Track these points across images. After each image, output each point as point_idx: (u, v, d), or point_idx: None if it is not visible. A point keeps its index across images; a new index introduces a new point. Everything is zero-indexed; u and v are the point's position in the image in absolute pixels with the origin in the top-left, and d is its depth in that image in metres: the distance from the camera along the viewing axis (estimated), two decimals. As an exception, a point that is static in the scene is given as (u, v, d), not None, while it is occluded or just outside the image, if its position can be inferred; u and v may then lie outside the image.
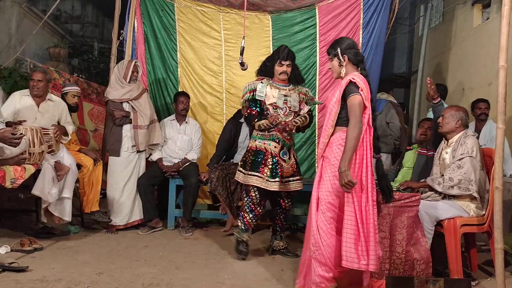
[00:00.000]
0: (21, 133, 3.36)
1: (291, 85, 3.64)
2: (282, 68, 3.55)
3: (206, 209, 4.89)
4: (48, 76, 4.32)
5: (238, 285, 3.03)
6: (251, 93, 3.62)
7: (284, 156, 3.55)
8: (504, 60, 2.79)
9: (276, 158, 3.51)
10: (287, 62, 3.55)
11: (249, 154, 3.62)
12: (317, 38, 4.94)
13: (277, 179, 3.48)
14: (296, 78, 3.65)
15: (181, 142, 4.69)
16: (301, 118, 3.58)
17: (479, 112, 4.52)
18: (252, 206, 3.57)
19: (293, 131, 3.57)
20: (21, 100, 4.02)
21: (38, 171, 3.69)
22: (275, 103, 3.55)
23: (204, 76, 5.09)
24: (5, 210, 4.49)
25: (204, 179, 4.51)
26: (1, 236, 3.85)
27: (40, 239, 3.77)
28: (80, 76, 6.83)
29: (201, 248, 3.92)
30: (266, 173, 3.48)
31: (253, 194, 3.55)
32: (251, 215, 3.59)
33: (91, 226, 4.36)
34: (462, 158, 3.16)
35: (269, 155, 3.52)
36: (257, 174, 3.50)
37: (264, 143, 3.56)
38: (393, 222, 3.00)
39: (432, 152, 3.76)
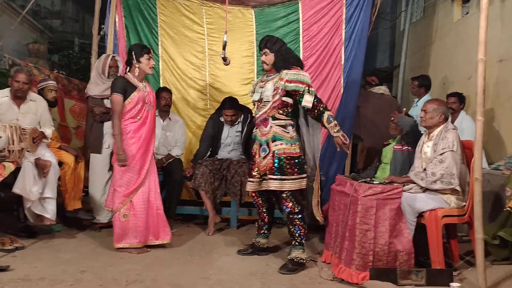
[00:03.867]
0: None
1: (275, 74, 3.40)
2: (261, 58, 3.48)
3: (190, 205, 4.86)
4: (32, 76, 4.21)
5: (223, 280, 3.03)
6: None
7: (263, 153, 3.38)
8: (483, 54, 2.84)
9: (255, 157, 3.47)
10: (264, 51, 3.41)
11: None
12: (300, 32, 4.94)
13: (251, 178, 3.48)
14: (277, 65, 3.38)
15: (165, 139, 4.66)
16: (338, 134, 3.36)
17: (447, 106, 4.62)
18: (256, 208, 3.65)
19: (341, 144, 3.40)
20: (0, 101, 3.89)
21: (18, 169, 3.62)
22: (254, 98, 3.53)
23: (187, 70, 5.06)
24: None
25: (188, 175, 4.49)
26: (-19, 236, 3.78)
27: (21, 238, 3.71)
28: (61, 72, 6.72)
29: (185, 244, 3.91)
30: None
31: (252, 197, 3.62)
32: (258, 217, 3.68)
33: (74, 224, 4.30)
34: (444, 153, 3.20)
35: (254, 155, 3.52)
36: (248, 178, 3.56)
37: (254, 144, 3.54)
38: (376, 214, 3.03)
39: (406, 147, 3.79)
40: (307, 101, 3.26)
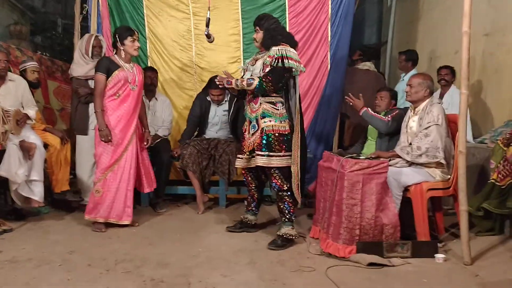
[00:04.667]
0: None
1: (265, 51, 3.37)
2: (253, 36, 3.47)
3: (179, 184, 4.86)
4: (9, 56, 4.13)
5: (212, 257, 3.06)
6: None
7: (252, 129, 3.41)
8: (467, 26, 2.83)
9: (244, 134, 3.48)
10: (255, 28, 3.40)
11: None
12: (286, 9, 4.87)
13: (240, 155, 3.49)
14: (266, 42, 3.33)
15: (151, 119, 4.62)
16: (236, 81, 3.39)
17: (439, 78, 4.62)
18: (247, 186, 3.67)
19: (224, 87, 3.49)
20: None
21: (2, 152, 3.57)
22: (244, 77, 3.51)
23: (174, 51, 4.99)
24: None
25: (176, 155, 4.47)
26: (-33, 220, 3.75)
27: (9, 221, 3.70)
28: (44, 54, 6.59)
29: (174, 223, 3.92)
30: None
31: (242, 174, 3.65)
32: (248, 194, 3.71)
33: (62, 206, 4.28)
34: (429, 127, 3.22)
35: (244, 132, 3.52)
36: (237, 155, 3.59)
37: (245, 122, 3.54)
38: (363, 189, 3.06)
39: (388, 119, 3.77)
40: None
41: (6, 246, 3.18)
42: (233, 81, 3.41)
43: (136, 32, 3.75)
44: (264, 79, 3.25)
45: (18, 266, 2.81)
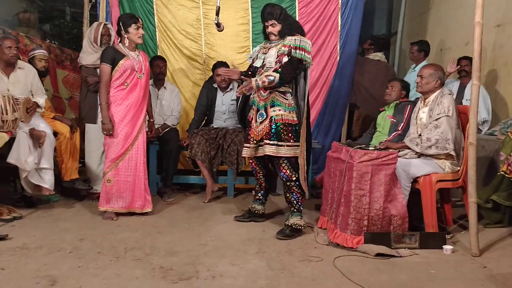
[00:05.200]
0: None
1: (279, 41, 3.34)
2: (268, 30, 3.39)
3: (186, 174, 4.88)
4: (19, 44, 4.14)
5: (220, 246, 3.08)
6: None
7: (259, 118, 3.39)
8: (480, 17, 2.80)
9: (251, 122, 3.46)
10: (271, 22, 3.33)
11: None
12: (296, -1, 4.86)
13: (247, 144, 3.48)
14: (283, 33, 3.31)
15: (160, 108, 4.63)
16: (256, 81, 3.26)
17: (460, 68, 4.57)
18: (255, 175, 3.66)
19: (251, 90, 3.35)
20: None
21: (12, 140, 3.60)
22: (255, 64, 3.49)
23: (183, 40, 4.98)
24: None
25: (184, 144, 4.49)
26: (-21, 207, 3.80)
27: (19, 208, 3.75)
28: (53, 42, 6.59)
29: (183, 212, 3.95)
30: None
31: (250, 163, 3.62)
32: (256, 183, 3.70)
33: (71, 194, 4.32)
34: (439, 118, 3.20)
35: (250, 120, 3.50)
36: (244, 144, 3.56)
37: (251, 110, 3.52)
38: (371, 180, 3.05)
39: (395, 119, 3.78)
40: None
41: (16, 233, 3.22)
42: (253, 83, 3.26)
43: (140, 20, 3.71)
44: (283, 72, 3.21)
45: (29, 253, 2.84)
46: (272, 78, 3.22)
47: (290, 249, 3.05)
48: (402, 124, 3.68)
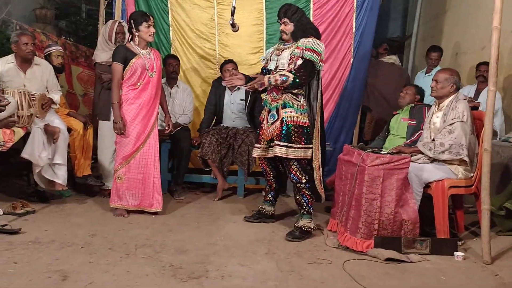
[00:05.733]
0: (7, 101, 3.25)
1: (293, 43, 3.34)
2: (280, 28, 3.40)
3: (196, 173, 4.91)
4: (35, 40, 4.19)
5: (229, 245, 3.08)
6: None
7: (271, 119, 3.38)
8: (498, 22, 2.77)
9: (263, 123, 3.46)
10: (283, 20, 3.33)
11: None
12: (311, 0, 4.84)
13: (257, 144, 3.48)
14: (296, 34, 3.31)
15: (172, 106, 4.66)
16: (269, 78, 3.29)
17: (478, 74, 4.53)
18: (265, 176, 3.65)
19: (258, 88, 3.35)
20: (5, 68, 3.86)
21: (27, 135, 3.65)
22: (269, 67, 3.49)
23: (197, 39, 5.01)
24: (-4, 174, 4.49)
25: (196, 144, 4.51)
26: (-8, 200, 3.86)
27: (32, 203, 3.79)
28: (68, 38, 6.67)
29: (193, 211, 3.97)
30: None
31: (259, 163, 3.60)
32: (266, 184, 3.69)
33: (83, 190, 4.37)
34: (453, 123, 3.18)
35: (261, 121, 3.50)
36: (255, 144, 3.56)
37: (263, 110, 3.52)
38: (383, 184, 3.03)
39: (414, 121, 3.77)
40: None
41: (29, 227, 3.26)
42: (266, 80, 3.28)
43: (151, 17, 3.68)
44: (298, 74, 3.21)
45: (41, 247, 2.88)
46: (285, 78, 3.22)
47: (299, 251, 3.05)
48: (423, 124, 3.66)
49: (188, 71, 5.05)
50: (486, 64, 4.43)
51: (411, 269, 2.79)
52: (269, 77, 3.28)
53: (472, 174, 3.23)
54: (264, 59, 3.62)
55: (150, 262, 2.72)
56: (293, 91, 3.32)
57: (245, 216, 3.75)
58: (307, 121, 3.33)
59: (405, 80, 5.06)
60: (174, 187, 4.45)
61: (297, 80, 3.21)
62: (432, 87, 3.39)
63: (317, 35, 3.36)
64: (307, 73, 3.23)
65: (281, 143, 3.29)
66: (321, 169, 3.33)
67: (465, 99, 3.30)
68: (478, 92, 4.53)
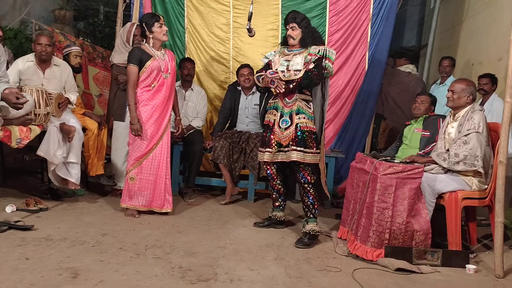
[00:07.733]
0: (25, 99, 3.28)
1: (302, 49, 3.42)
2: (287, 33, 3.45)
3: (209, 176, 4.92)
4: (53, 40, 4.26)
5: (239, 249, 3.09)
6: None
7: (283, 124, 3.40)
8: (516, 33, 2.74)
9: (274, 128, 3.46)
10: (291, 25, 3.40)
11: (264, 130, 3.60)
12: (327, 6, 4.85)
13: (268, 148, 3.46)
14: (305, 41, 3.40)
15: (186, 109, 4.69)
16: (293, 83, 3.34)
17: (478, 87, 4.49)
18: (270, 180, 3.63)
19: (281, 90, 3.33)
20: (24, 67, 3.92)
21: (43, 133, 3.70)
22: (276, 70, 3.49)
23: (211, 43, 5.05)
24: (11, 171, 4.55)
25: (208, 147, 4.53)
26: (6, 196, 3.91)
27: (46, 200, 3.83)
28: (86, 39, 6.76)
29: (203, 214, 3.98)
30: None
31: (265, 168, 3.60)
32: (272, 190, 3.67)
33: (96, 190, 4.41)
34: (469, 134, 3.14)
35: (271, 125, 3.51)
36: (261, 148, 3.56)
37: (269, 114, 3.53)
38: (395, 193, 3.01)
39: (428, 132, 3.74)
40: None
41: (42, 224, 3.30)
42: (280, 73, 3.36)
43: (161, 17, 3.71)
44: (311, 73, 3.29)
45: (53, 245, 2.91)
46: (297, 72, 3.32)
47: (308, 257, 3.04)
48: (437, 136, 3.63)
49: (202, 73, 5.08)
50: (487, 77, 4.43)
51: (421, 280, 2.76)
52: (283, 71, 3.37)
53: (486, 186, 3.19)
54: (266, 58, 3.61)
55: (160, 263, 2.73)
56: (305, 99, 3.39)
57: (255, 222, 3.74)
58: (315, 127, 3.42)
59: (421, 90, 5.03)
60: (185, 189, 4.47)
61: (309, 73, 3.29)
62: (448, 98, 3.36)
63: (323, 43, 3.47)
64: (319, 73, 3.32)
65: (298, 148, 3.33)
66: (325, 170, 3.45)
67: (481, 110, 3.26)
68: (482, 104, 4.49)
